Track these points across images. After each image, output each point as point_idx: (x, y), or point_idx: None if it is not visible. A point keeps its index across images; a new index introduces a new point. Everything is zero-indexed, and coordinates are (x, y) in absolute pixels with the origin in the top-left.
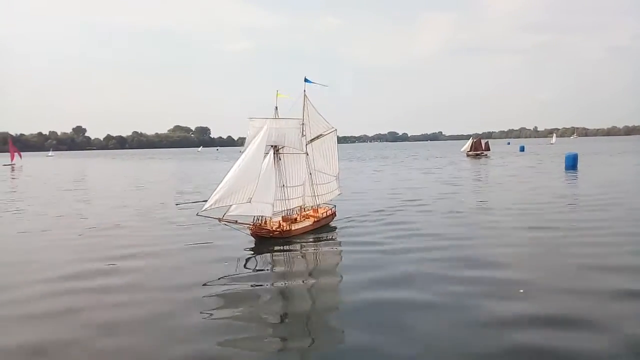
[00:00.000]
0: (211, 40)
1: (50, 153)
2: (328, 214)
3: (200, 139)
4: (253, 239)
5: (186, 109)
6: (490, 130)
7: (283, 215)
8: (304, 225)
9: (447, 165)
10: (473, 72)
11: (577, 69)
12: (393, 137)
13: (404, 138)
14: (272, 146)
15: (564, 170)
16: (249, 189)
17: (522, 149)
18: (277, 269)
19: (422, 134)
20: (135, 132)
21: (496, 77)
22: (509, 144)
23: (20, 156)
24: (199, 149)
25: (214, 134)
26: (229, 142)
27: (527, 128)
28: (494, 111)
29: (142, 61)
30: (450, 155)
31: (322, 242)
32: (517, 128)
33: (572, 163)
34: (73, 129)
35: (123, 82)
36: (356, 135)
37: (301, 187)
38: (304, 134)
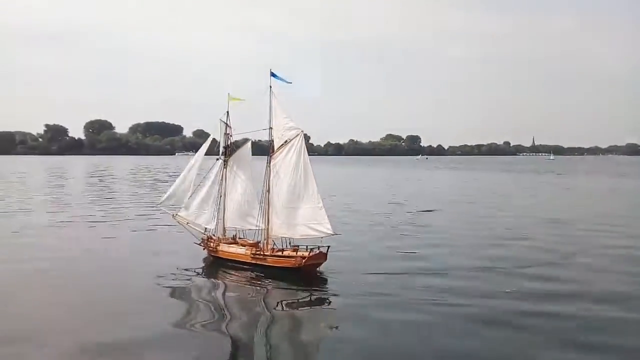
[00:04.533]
0: (430, 46)
1: None
2: (286, 254)
3: (410, 147)
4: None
5: (398, 116)
6: None
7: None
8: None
9: None
10: None
11: None
12: (632, 150)
13: None
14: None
15: None
16: (185, 195)
17: None
18: None
19: None
20: (351, 140)
21: None
22: None
23: None
24: (418, 157)
25: (424, 143)
26: (439, 150)
27: None
28: None
29: (357, 69)
30: None
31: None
32: None
33: None
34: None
35: (340, 91)
36: (585, 147)
37: (245, 205)
38: (271, 141)
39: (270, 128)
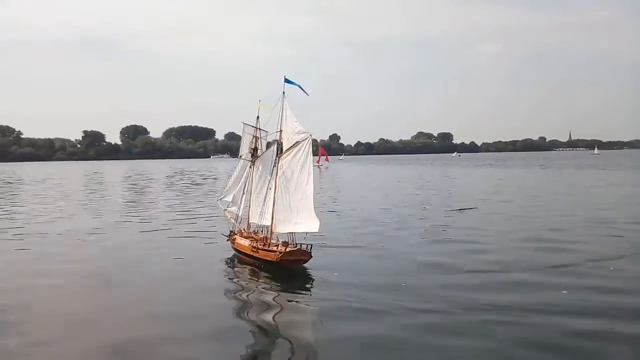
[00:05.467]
0: (461, 42)
1: (341, 157)
2: (271, 249)
3: (442, 145)
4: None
5: (429, 114)
6: None
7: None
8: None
9: None
10: None
11: None
12: None
13: None
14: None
15: None
16: (231, 192)
17: None
18: None
19: None
20: (381, 139)
21: None
22: None
23: (327, 160)
24: (453, 154)
25: (456, 140)
26: (472, 147)
27: None
28: None
29: (394, 69)
30: None
31: None
32: None
33: None
34: (329, 137)
35: (370, 90)
36: (624, 141)
37: (266, 203)
38: (280, 143)
39: (280, 131)
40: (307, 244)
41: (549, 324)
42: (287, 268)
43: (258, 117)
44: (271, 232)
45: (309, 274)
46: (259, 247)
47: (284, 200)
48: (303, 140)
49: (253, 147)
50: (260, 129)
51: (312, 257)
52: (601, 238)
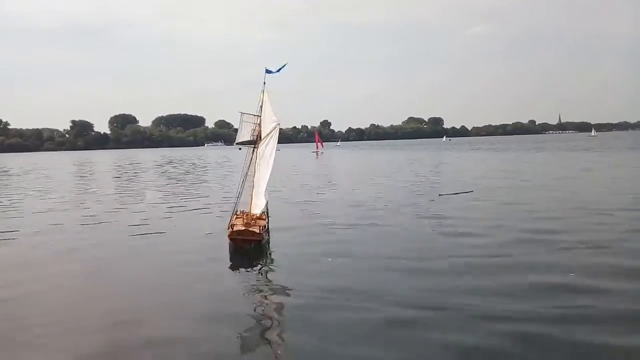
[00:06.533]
0: (450, 25)
1: (338, 143)
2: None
3: (433, 129)
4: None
5: (419, 99)
6: None
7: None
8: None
9: None
10: None
11: None
12: None
13: None
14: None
15: None
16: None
17: None
18: None
19: None
20: (372, 125)
21: None
22: None
23: (323, 146)
24: (444, 139)
25: (446, 124)
26: (462, 132)
27: None
28: None
29: (384, 54)
30: None
31: None
32: None
33: None
34: (320, 123)
35: (360, 75)
36: (613, 123)
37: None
38: (260, 131)
39: (259, 116)
40: (261, 226)
41: (554, 312)
42: (239, 247)
43: (261, 106)
44: (250, 212)
45: (300, 257)
46: (229, 225)
47: (257, 182)
48: (275, 129)
49: (256, 134)
50: (260, 116)
51: (263, 238)
52: (605, 222)
